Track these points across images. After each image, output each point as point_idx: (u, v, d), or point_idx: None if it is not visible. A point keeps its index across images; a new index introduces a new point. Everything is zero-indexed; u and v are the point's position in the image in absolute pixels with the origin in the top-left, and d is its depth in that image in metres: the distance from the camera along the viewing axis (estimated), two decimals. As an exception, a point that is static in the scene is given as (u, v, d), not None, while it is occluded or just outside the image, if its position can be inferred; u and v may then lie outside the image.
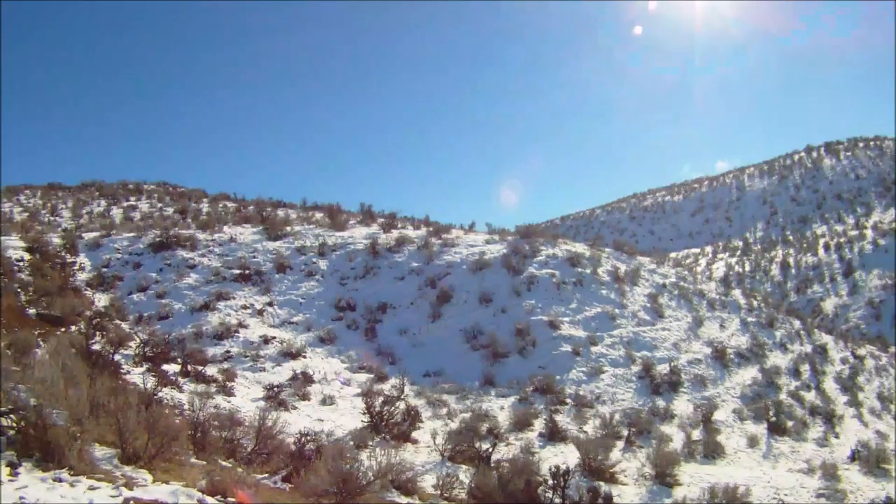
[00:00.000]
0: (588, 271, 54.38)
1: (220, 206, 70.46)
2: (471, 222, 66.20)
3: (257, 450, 18.86)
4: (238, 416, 22.64)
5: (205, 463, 15.11)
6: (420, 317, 48.64)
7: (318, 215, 62.95)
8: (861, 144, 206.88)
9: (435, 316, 48.56)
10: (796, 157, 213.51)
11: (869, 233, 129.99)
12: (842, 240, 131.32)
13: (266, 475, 16.71)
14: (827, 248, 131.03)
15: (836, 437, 42.38)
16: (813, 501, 29.13)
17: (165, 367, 29.80)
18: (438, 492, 21.29)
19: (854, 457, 36.87)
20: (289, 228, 57.61)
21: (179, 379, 29.33)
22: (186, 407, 21.39)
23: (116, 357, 27.38)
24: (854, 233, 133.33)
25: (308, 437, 20.31)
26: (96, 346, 26.58)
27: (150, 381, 24.01)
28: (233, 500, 11.65)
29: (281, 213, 62.69)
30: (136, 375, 26.39)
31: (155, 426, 13.22)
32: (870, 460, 35.55)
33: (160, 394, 22.37)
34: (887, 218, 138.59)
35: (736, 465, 34.59)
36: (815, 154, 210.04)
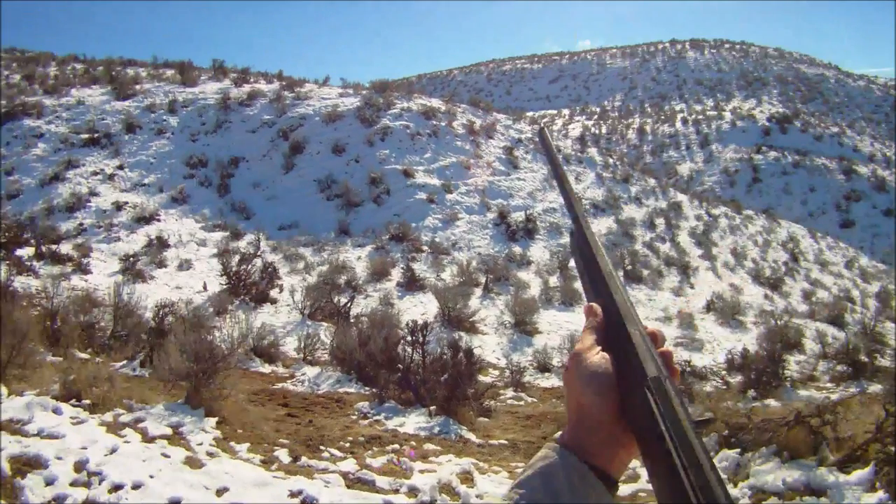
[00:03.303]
0: (443, 124, 54.47)
1: (69, 68, 68.02)
2: (325, 77, 65.31)
3: (116, 332, 18.64)
4: (95, 296, 22.18)
5: (61, 359, 14.66)
6: (273, 169, 48.34)
7: (170, 72, 61.08)
8: (727, 45, 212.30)
9: (288, 167, 48.35)
10: (660, 46, 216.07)
11: (728, 115, 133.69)
12: (700, 117, 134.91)
13: (125, 361, 16.46)
14: (685, 122, 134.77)
15: (692, 287, 43.90)
16: (671, 349, 30.16)
17: (19, 251, 28.06)
18: (301, 355, 21.60)
19: (709, 307, 38.20)
20: (138, 87, 55.30)
21: (35, 263, 28.00)
22: (42, 295, 21.13)
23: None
24: (713, 113, 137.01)
25: (167, 309, 20.22)
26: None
27: (3, 271, 23.35)
28: (87, 401, 11.33)
29: (131, 71, 60.61)
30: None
31: (5, 327, 12.37)
32: (725, 311, 36.91)
33: (13, 285, 21.26)
34: (747, 105, 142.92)
35: (594, 312, 35.54)
36: (679, 46, 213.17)
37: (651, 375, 1.39)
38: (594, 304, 1.72)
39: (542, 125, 2.66)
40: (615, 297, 1.62)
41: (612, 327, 1.59)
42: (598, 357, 1.53)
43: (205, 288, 30.31)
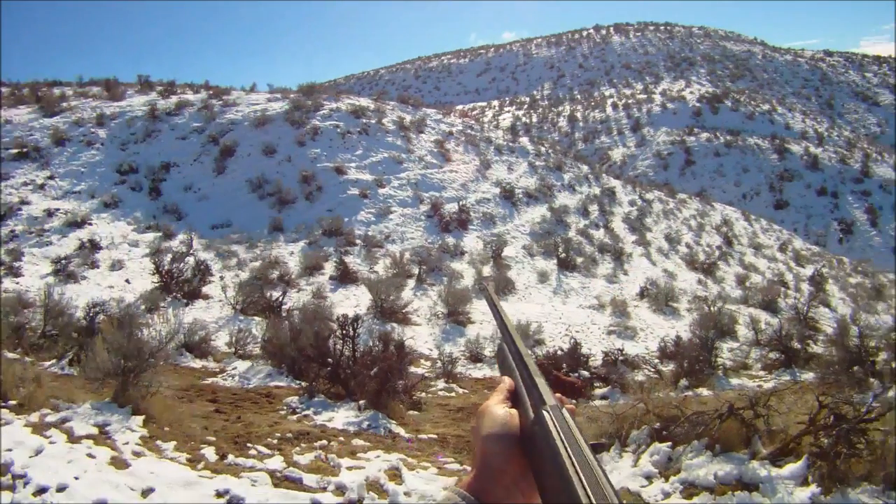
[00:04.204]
0: (373, 121, 54.74)
1: (-6, 92, 67.00)
2: (252, 84, 65.08)
3: (46, 332, 18.57)
4: (26, 298, 22.16)
5: (-10, 362, 14.49)
6: (205, 172, 48.10)
7: (96, 89, 60.60)
8: (651, 27, 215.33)
9: (219, 170, 48.17)
10: (585, 33, 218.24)
11: (658, 97, 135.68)
12: (630, 101, 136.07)
13: (54, 360, 16.37)
14: (615, 107, 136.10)
15: (626, 274, 44.27)
16: (605, 338, 30.32)
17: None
18: (232, 349, 21.59)
19: (643, 294, 38.55)
20: (65, 104, 54.05)
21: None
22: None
23: None
24: (643, 96, 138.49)
25: (97, 308, 20.13)
26: None
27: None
28: (14, 402, 11.24)
29: (57, 91, 59.90)
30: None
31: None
32: (659, 298, 37.24)
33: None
34: (676, 87, 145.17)
35: (527, 301, 35.70)
36: (604, 32, 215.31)
37: (550, 403, 1.51)
38: (505, 377, 1.84)
39: (484, 285, 2.87)
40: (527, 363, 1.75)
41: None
42: (502, 411, 1.65)
43: (128, 282, 30.23)
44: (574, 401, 18.38)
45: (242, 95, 59.85)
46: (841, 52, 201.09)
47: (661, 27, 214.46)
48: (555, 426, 1.42)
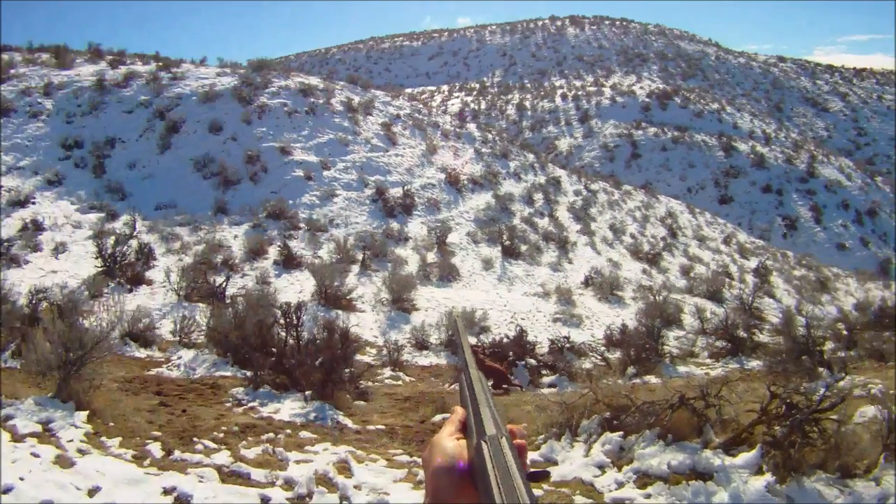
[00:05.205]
0: (321, 101, 54.21)
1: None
2: (202, 57, 64.31)
3: (-13, 321, 18.14)
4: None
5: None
6: (149, 149, 47.32)
7: (45, 56, 59.58)
8: (607, 22, 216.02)
9: (164, 147, 47.43)
10: (540, 23, 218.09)
11: (608, 91, 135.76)
12: (580, 93, 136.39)
13: None
14: (565, 97, 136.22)
15: (570, 262, 44.52)
16: (550, 325, 30.36)
17: None
18: (177, 338, 21.32)
19: (588, 282, 38.72)
20: (13, 71, 52.66)
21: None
22: None
23: None
24: (593, 89, 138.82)
25: (40, 295, 19.78)
26: None
27: None
28: None
29: (5, 56, 58.79)
30: None
31: None
32: (604, 286, 37.41)
33: None
34: (627, 81, 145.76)
35: (472, 288, 35.76)
36: (559, 23, 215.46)
37: (490, 433, 1.46)
38: (458, 407, 1.80)
39: (454, 316, 2.83)
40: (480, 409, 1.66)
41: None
42: (451, 443, 1.61)
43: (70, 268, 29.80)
44: (505, 386, 18.38)
45: (192, 69, 58.94)
46: (794, 58, 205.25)
47: (617, 22, 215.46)
48: (490, 457, 1.38)
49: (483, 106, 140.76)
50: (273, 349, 16.46)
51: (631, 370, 21.04)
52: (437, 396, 16.24)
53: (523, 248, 43.55)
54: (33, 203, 38.21)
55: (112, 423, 11.44)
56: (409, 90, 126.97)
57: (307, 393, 14.54)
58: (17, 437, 9.86)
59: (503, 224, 46.09)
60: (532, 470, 1.49)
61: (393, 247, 39.25)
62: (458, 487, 1.52)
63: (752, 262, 56.20)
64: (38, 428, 10.42)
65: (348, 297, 29.26)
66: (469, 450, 1.57)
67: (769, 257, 59.22)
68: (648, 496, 9.39)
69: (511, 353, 21.27)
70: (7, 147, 43.63)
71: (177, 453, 10.39)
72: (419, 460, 10.57)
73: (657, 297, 32.99)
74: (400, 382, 19.53)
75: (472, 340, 23.80)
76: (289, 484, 9.57)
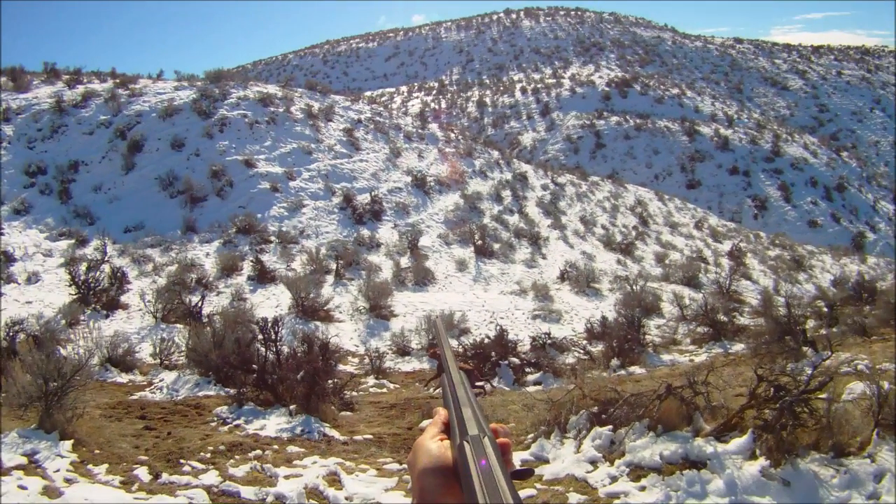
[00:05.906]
0: (281, 110, 53.90)
1: None
2: (159, 71, 63.88)
3: (-38, 356, 17.97)
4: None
5: None
6: (113, 170, 46.72)
7: (3, 79, 59.20)
8: (562, 12, 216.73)
9: (128, 167, 46.89)
10: (495, 17, 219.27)
11: (567, 82, 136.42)
12: (539, 86, 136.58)
13: None
14: (524, 91, 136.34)
15: (544, 258, 44.56)
16: (530, 322, 30.35)
17: None
18: (158, 361, 21.17)
19: (563, 276, 38.76)
20: None
21: None
22: None
23: None
24: (552, 81, 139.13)
25: (17, 327, 19.60)
26: None
27: None
28: None
29: (-39, 82, 58.34)
30: None
31: None
32: (580, 280, 37.45)
33: None
34: (585, 71, 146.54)
35: (449, 291, 35.70)
36: (514, 16, 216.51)
37: (472, 433, 1.49)
38: (441, 409, 1.81)
39: (435, 319, 2.84)
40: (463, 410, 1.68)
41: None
42: (435, 445, 1.62)
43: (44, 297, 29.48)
44: (480, 382, 18.36)
45: (150, 84, 58.26)
46: (751, 39, 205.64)
47: (572, 12, 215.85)
48: (472, 457, 1.42)
49: (443, 105, 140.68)
50: (254, 365, 16.39)
51: (615, 362, 21.08)
52: (423, 402, 16.23)
53: (496, 246, 43.52)
54: (2, 234, 37.77)
55: (98, 451, 11.36)
56: (368, 93, 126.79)
57: (292, 407, 14.50)
58: (3, 471, 9.78)
59: (474, 223, 46.09)
60: (516, 468, 1.51)
61: (365, 254, 39.14)
62: (444, 487, 1.53)
63: (726, 246, 56.48)
64: (24, 460, 10.34)
65: (325, 308, 29.13)
66: (452, 450, 1.59)
67: (742, 239, 59.52)
68: (643, 488, 9.39)
69: (493, 354, 21.24)
70: (-30, 178, 43.00)
71: (165, 476, 10.34)
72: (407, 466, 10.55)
73: (634, 287, 33.11)
74: (384, 390, 19.49)
75: (453, 343, 23.82)
76: (279, 500, 9.61)
